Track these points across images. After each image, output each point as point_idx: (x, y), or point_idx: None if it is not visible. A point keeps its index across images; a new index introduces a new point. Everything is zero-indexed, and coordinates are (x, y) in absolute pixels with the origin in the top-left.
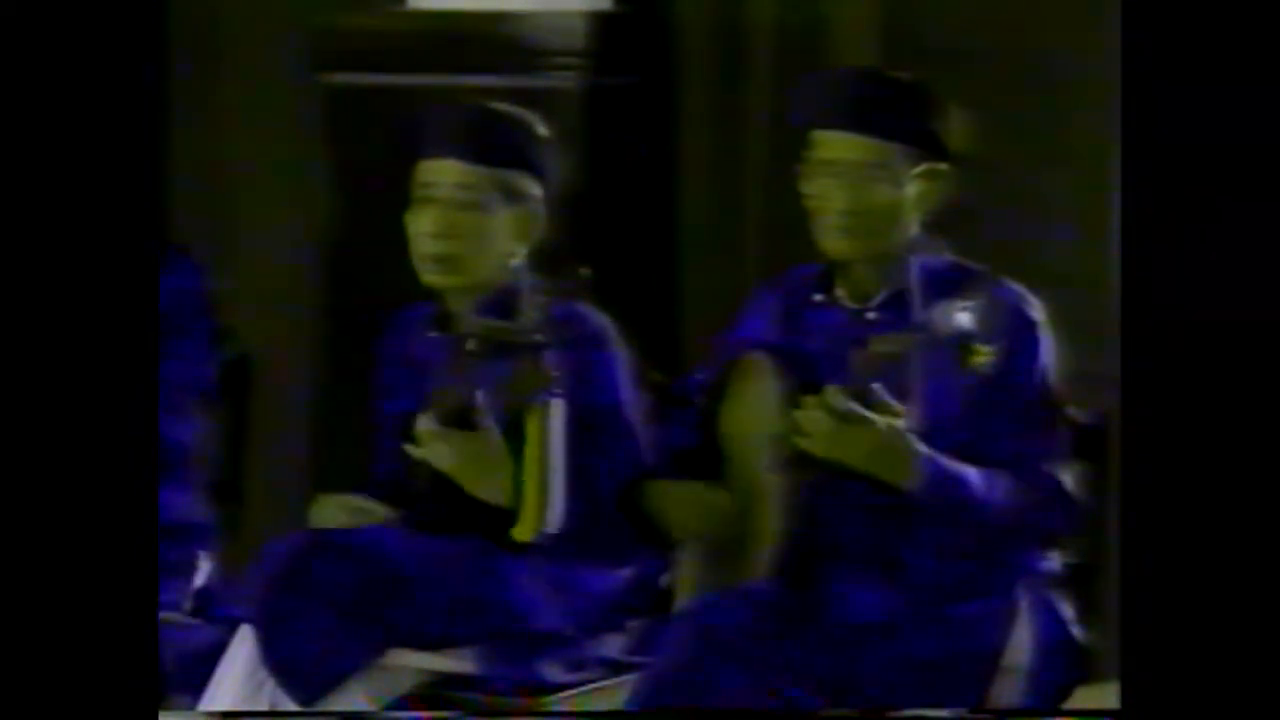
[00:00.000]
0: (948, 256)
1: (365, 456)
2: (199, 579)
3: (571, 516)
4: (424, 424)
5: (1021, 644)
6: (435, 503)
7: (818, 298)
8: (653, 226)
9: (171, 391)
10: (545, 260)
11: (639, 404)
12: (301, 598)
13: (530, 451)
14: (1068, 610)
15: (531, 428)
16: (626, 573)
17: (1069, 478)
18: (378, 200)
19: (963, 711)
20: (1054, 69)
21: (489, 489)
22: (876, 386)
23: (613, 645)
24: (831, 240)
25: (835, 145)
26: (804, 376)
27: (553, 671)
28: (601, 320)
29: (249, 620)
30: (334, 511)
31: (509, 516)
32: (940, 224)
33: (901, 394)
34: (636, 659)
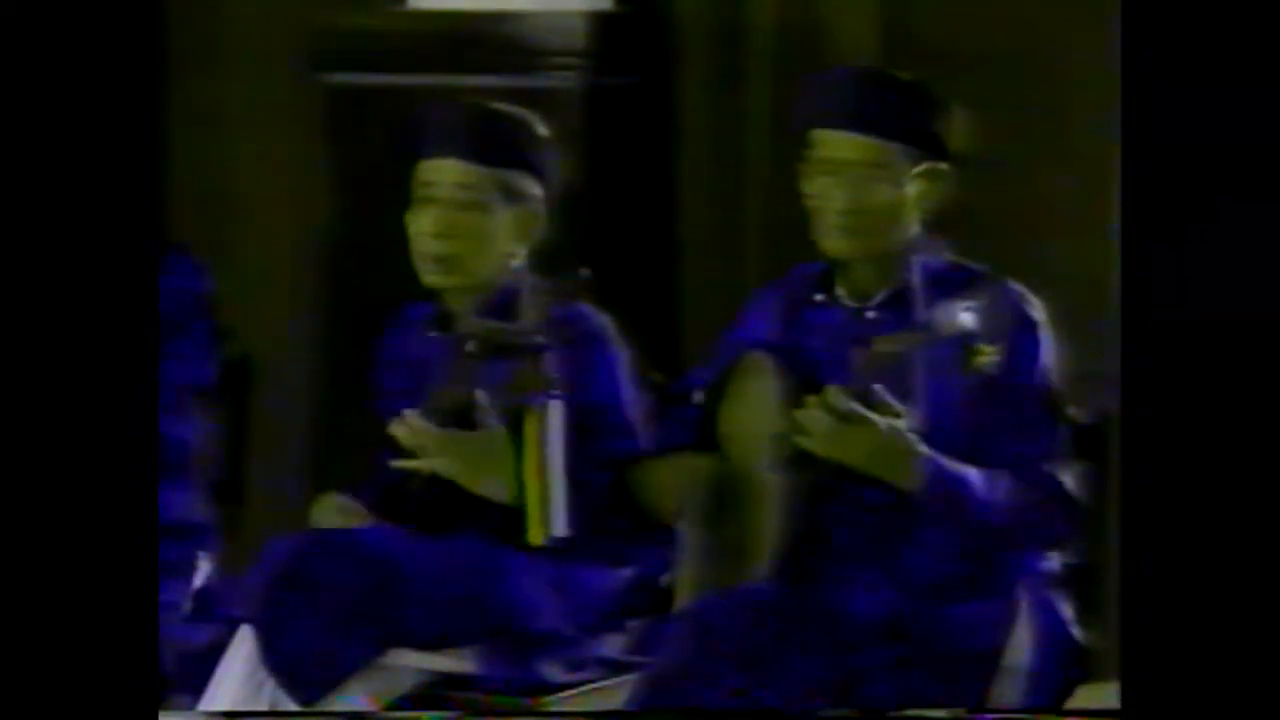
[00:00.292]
0: (948, 256)
1: (365, 456)
2: (199, 579)
3: (572, 516)
4: (422, 425)
5: (1021, 644)
6: (435, 502)
7: (818, 297)
8: (653, 226)
9: (171, 391)
10: (545, 260)
11: (639, 404)
12: (301, 598)
13: (529, 453)
14: (1068, 610)
15: (530, 429)
16: (626, 573)
17: (1069, 478)
18: (378, 200)
19: (962, 711)
20: (1054, 69)
21: (491, 487)
22: (877, 387)
23: (612, 645)
24: (832, 239)
25: (836, 145)
26: (804, 376)
27: (553, 671)
28: (601, 320)
29: (249, 620)
30: (324, 513)
31: (509, 515)
32: (940, 224)
33: (902, 394)
34: (636, 659)
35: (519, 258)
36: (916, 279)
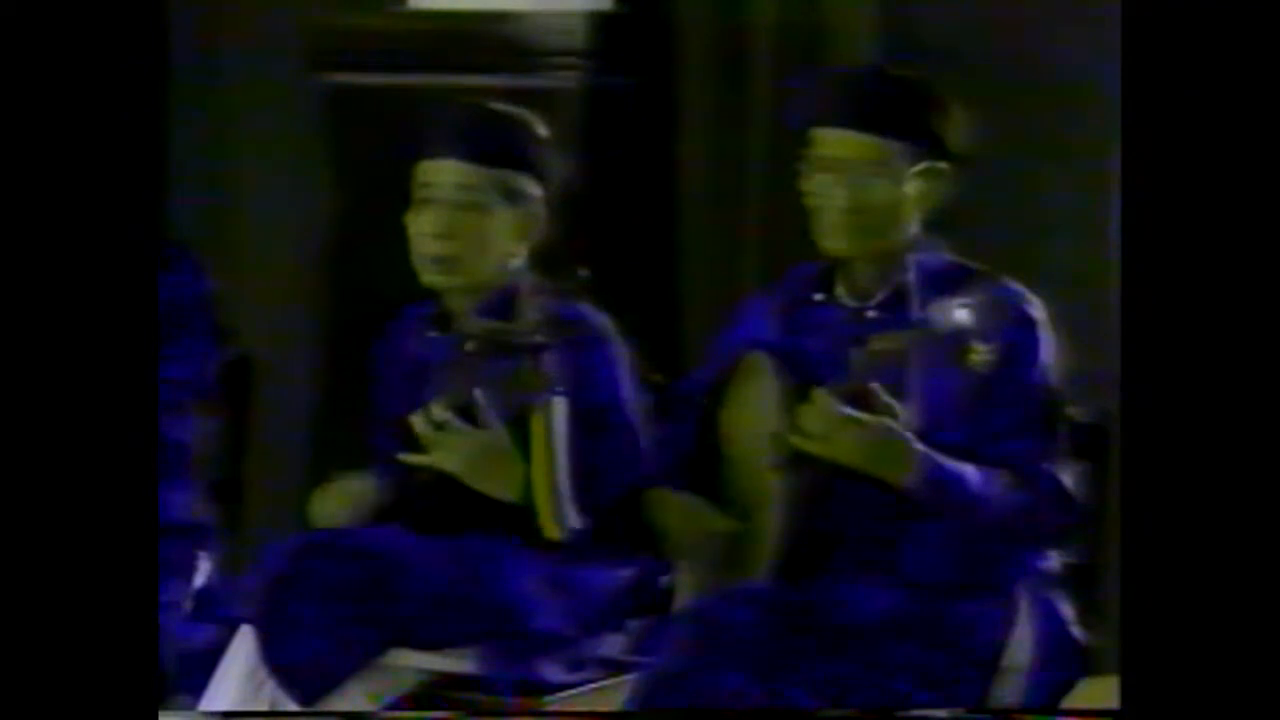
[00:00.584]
0: (947, 255)
1: (365, 457)
2: (199, 579)
3: (572, 516)
4: (425, 425)
5: (1021, 643)
6: (436, 502)
7: (818, 296)
8: (652, 226)
9: (171, 391)
10: (545, 260)
11: (639, 403)
12: (302, 598)
13: (537, 451)
14: (1068, 610)
15: (536, 427)
16: (627, 572)
17: (1069, 477)
18: (378, 200)
19: (962, 711)
20: (1054, 69)
21: (497, 485)
22: (874, 386)
23: (613, 645)
24: (831, 238)
25: (835, 143)
26: (804, 375)
27: (553, 671)
28: (601, 320)
29: (249, 620)
30: (334, 499)
31: (511, 514)
32: (940, 223)
33: (901, 392)
34: (636, 659)
35: (519, 258)
36: (916, 278)
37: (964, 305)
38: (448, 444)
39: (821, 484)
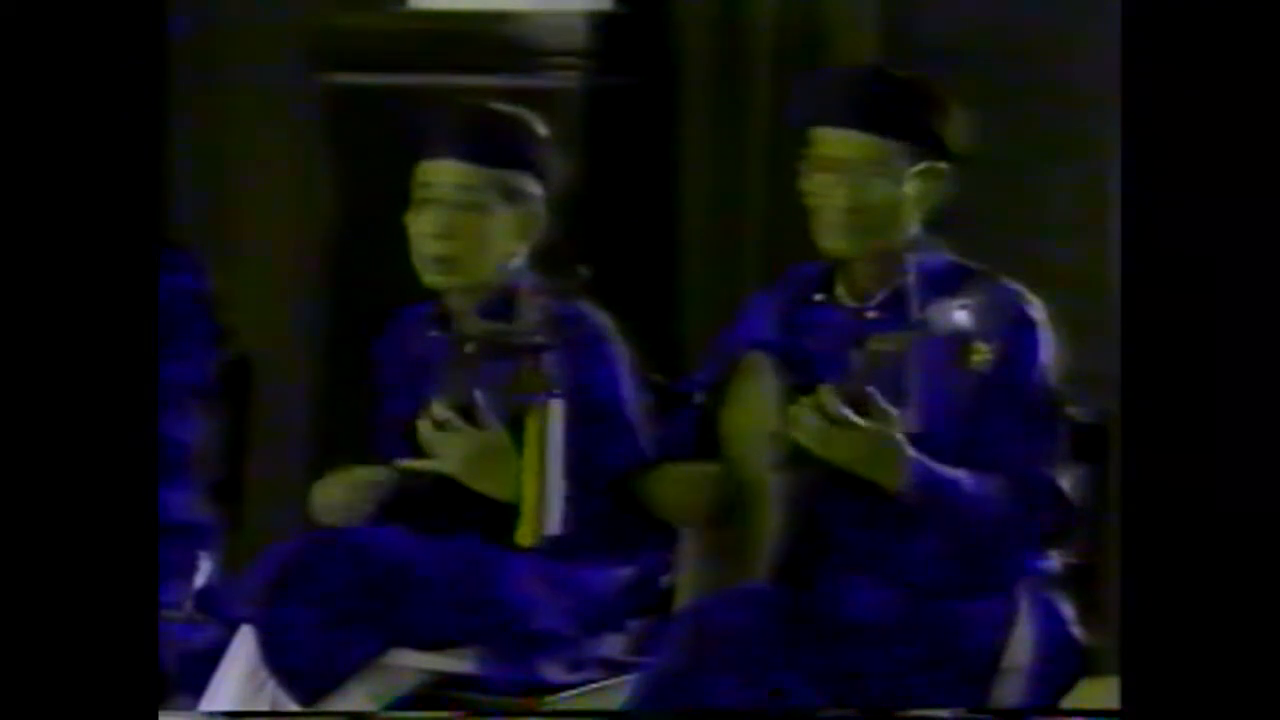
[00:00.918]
0: (947, 255)
1: (365, 456)
2: (200, 579)
3: (572, 516)
4: (424, 425)
5: (1022, 643)
6: (435, 502)
7: (818, 297)
8: (653, 226)
9: (171, 391)
10: (545, 260)
11: (639, 403)
12: (302, 598)
13: (530, 453)
14: (1068, 610)
15: (531, 429)
16: (627, 572)
17: (1068, 479)
18: (378, 200)
19: (963, 711)
20: (1054, 69)
21: (493, 484)
22: (870, 389)
23: (613, 645)
24: (830, 238)
25: (835, 143)
26: (804, 376)
27: (553, 671)
28: (602, 320)
29: (249, 620)
30: (336, 491)
31: (510, 515)
32: (940, 223)
33: (900, 393)
34: (636, 659)
35: (519, 258)
36: (915, 278)
37: (963, 306)
38: (446, 445)
39: (822, 484)
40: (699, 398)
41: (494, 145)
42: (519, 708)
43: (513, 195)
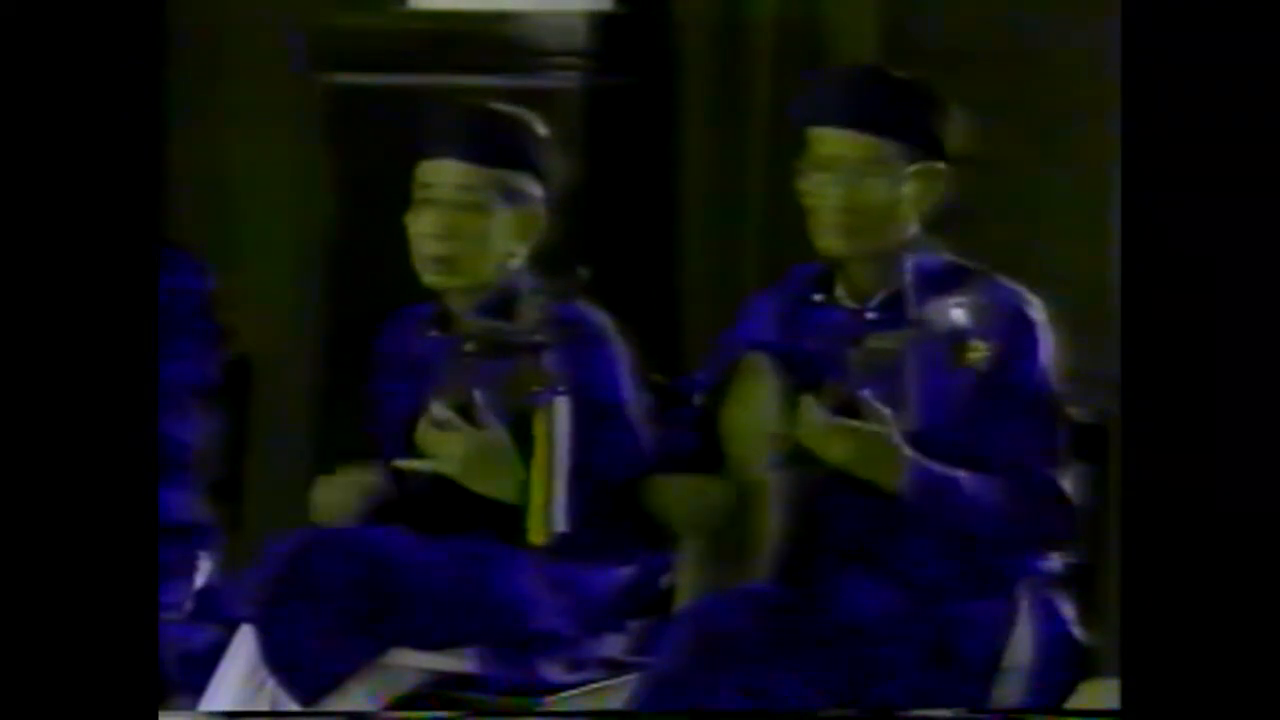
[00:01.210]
0: (946, 256)
1: (366, 456)
2: (200, 579)
3: (574, 516)
4: (424, 426)
5: (1022, 643)
6: (435, 502)
7: (817, 297)
8: (653, 226)
9: (171, 391)
10: (545, 260)
11: (640, 404)
12: (302, 598)
13: (538, 451)
14: (1068, 610)
15: (538, 427)
16: (627, 573)
17: (1068, 481)
18: (378, 200)
19: (964, 711)
20: (1054, 69)
21: (494, 486)
22: (865, 392)
23: (613, 645)
24: (828, 238)
25: (832, 142)
26: (804, 376)
27: (553, 671)
28: (602, 320)
29: (249, 620)
30: (335, 492)
31: (510, 515)
32: (939, 223)
33: (898, 393)
34: (637, 659)
35: (519, 258)
36: (914, 278)
37: (963, 306)
38: (444, 445)
39: (821, 484)
40: (699, 398)
41: (494, 145)
42: (519, 708)
43: (513, 195)
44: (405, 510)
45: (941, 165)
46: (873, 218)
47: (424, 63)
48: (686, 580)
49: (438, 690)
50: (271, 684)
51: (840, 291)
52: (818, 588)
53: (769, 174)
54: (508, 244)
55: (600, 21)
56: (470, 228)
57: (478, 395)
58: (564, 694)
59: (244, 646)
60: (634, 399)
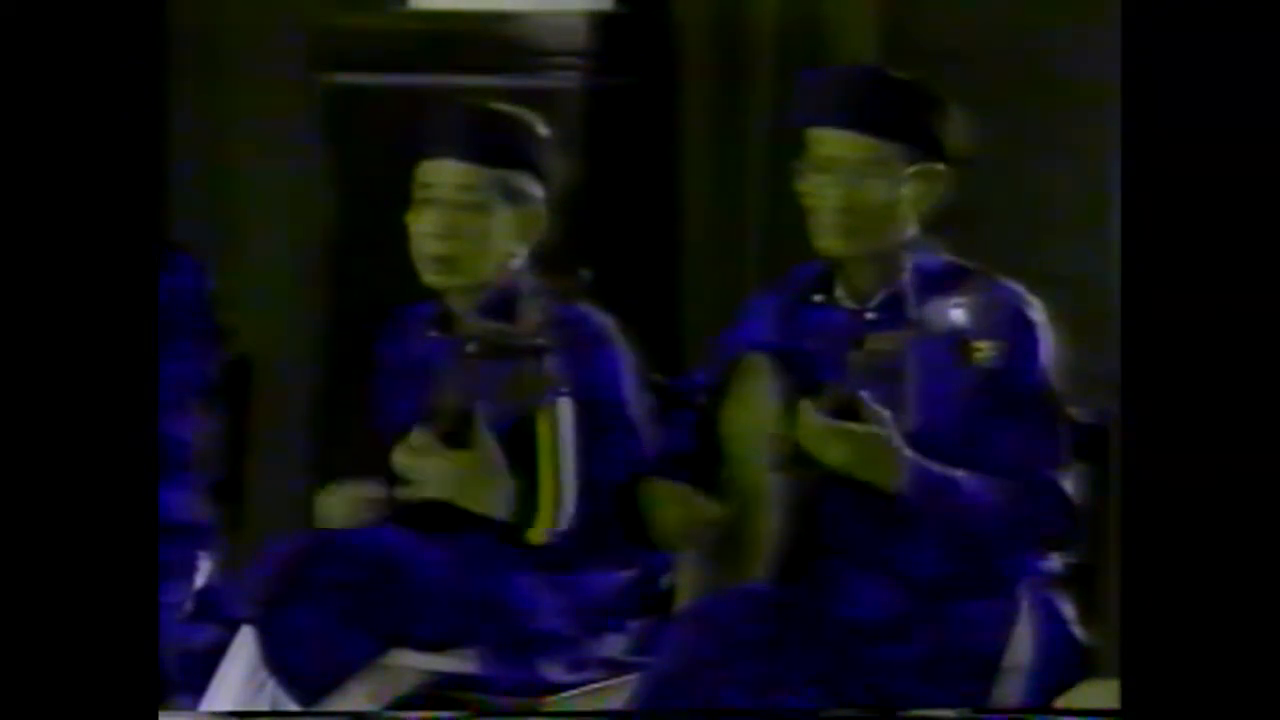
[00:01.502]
0: (946, 256)
1: (366, 456)
2: (200, 579)
3: (575, 517)
4: (419, 440)
5: (1023, 643)
6: (436, 503)
7: (817, 298)
8: (653, 227)
9: (172, 391)
10: (546, 260)
11: (641, 404)
12: (302, 598)
13: (544, 452)
14: (1069, 610)
15: (543, 427)
16: (627, 573)
17: (1069, 482)
18: (378, 200)
19: (965, 711)
20: (1054, 69)
21: (485, 503)
22: (862, 394)
23: (613, 645)
24: (827, 238)
25: (832, 143)
26: (804, 376)
27: (554, 671)
28: (603, 320)
29: (250, 620)
30: (340, 504)
31: (514, 514)
32: (939, 224)
33: (898, 394)
34: (637, 659)
35: (520, 258)
36: (914, 279)
37: (963, 306)
38: (431, 470)
39: (820, 484)
40: (699, 398)
41: (494, 145)
42: (519, 708)
43: (513, 195)
44: (405, 511)
45: (941, 166)
46: (872, 218)
47: (424, 63)
48: (687, 580)
49: (438, 690)
50: (272, 684)
51: (840, 292)
52: (818, 587)
53: (769, 174)
54: (508, 244)
55: (600, 22)
56: (471, 228)
57: (477, 406)
58: (564, 694)
59: (244, 647)
60: (635, 400)
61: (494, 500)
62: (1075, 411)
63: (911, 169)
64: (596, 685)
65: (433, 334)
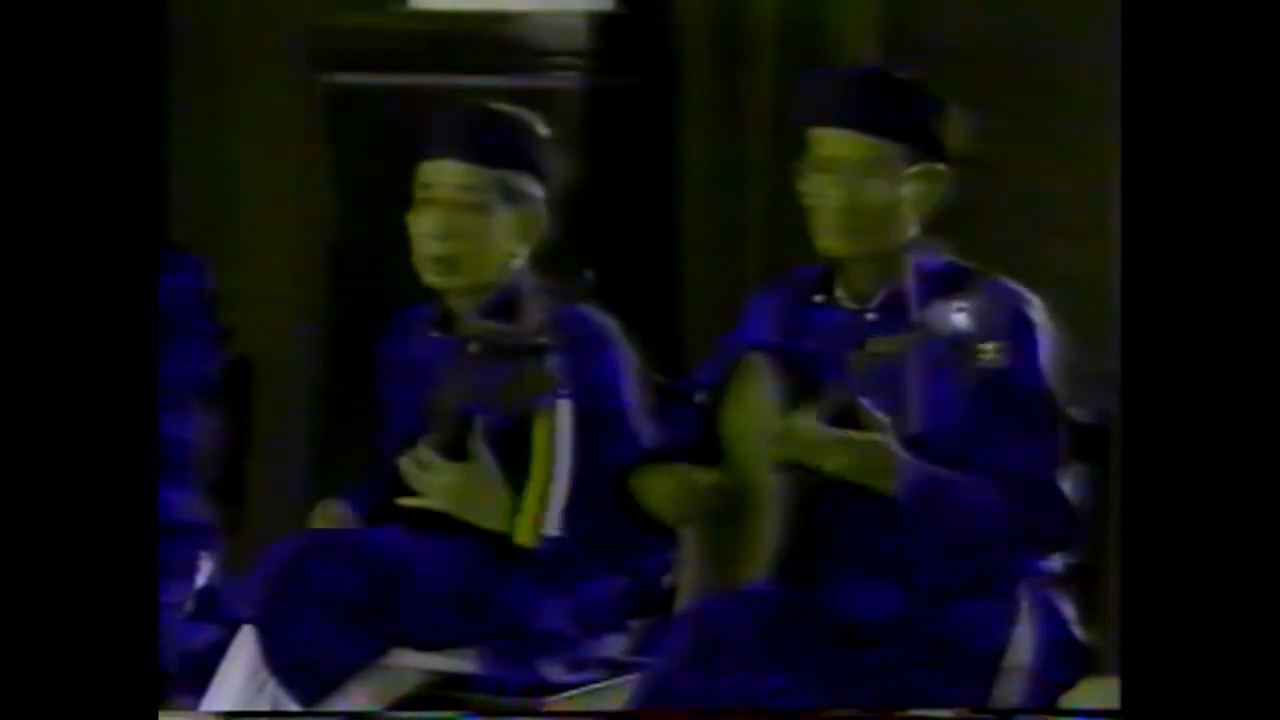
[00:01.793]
0: (947, 257)
1: (366, 456)
2: (201, 579)
3: (575, 517)
4: (420, 454)
5: (1023, 643)
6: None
7: (818, 298)
8: (654, 227)
9: (172, 391)
10: (547, 261)
11: (643, 404)
12: (303, 598)
13: (538, 454)
14: (1069, 609)
15: (540, 429)
16: (627, 573)
17: (1070, 485)
18: (378, 201)
19: (965, 711)
20: (1054, 69)
21: (482, 516)
22: (862, 399)
23: (614, 645)
24: (828, 238)
25: (833, 143)
26: (804, 377)
27: (554, 672)
28: (604, 321)
29: (251, 621)
30: (323, 521)
31: (511, 518)
32: (940, 224)
33: (899, 396)
34: (638, 659)
35: (520, 258)
36: (915, 280)
37: (964, 307)
38: (433, 484)
39: (821, 485)
40: (700, 398)
41: (495, 145)
42: (520, 708)
43: (514, 196)
44: (406, 511)
45: (942, 166)
46: (873, 218)
47: (424, 63)
48: (687, 580)
49: (438, 690)
50: (272, 685)
51: (841, 292)
52: (818, 588)
53: (770, 174)
54: (509, 244)
55: (601, 22)
56: (471, 228)
57: (475, 423)
58: (564, 694)
59: (245, 647)
60: (636, 401)
61: (490, 513)
62: (1075, 411)
63: (912, 169)
64: (596, 685)
65: (433, 334)
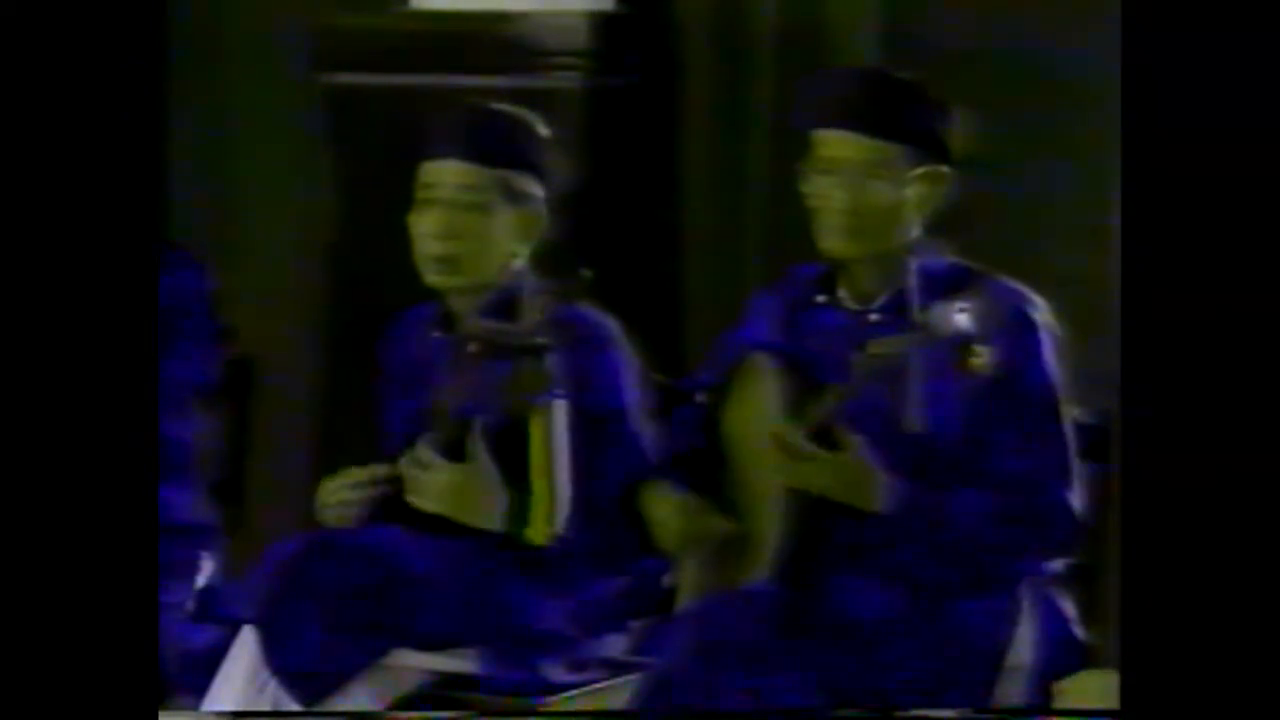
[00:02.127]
0: (949, 258)
1: (367, 456)
2: (201, 579)
3: (575, 518)
4: (408, 464)
5: (1024, 643)
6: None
7: (820, 299)
8: (655, 227)
9: (173, 391)
10: (548, 261)
11: (643, 405)
12: (304, 598)
13: (536, 453)
14: (1070, 609)
15: (536, 429)
16: (628, 574)
17: (1072, 484)
18: (379, 201)
19: (966, 711)
20: (1054, 69)
21: (481, 518)
22: (835, 422)
23: (614, 646)
24: (831, 240)
25: (836, 145)
26: (806, 377)
27: (554, 672)
28: (605, 321)
29: (252, 621)
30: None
31: (511, 518)
32: (942, 225)
33: (901, 396)
34: (638, 660)
35: (521, 258)
36: (917, 281)
37: (966, 308)
38: (431, 485)
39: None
40: (701, 399)
41: (496, 146)
42: (520, 708)
43: (514, 196)
44: (407, 511)
45: (944, 168)
46: (876, 219)
47: (424, 63)
48: (687, 580)
49: (439, 690)
50: (273, 685)
51: (843, 293)
52: (819, 588)
53: (771, 175)
54: (510, 244)
55: (601, 22)
56: (472, 228)
57: (474, 425)
58: (565, 694)
59: (246, 647)
60: (637, 401)
61: (489, 514)
62: (1075, 411)
63: (915, 171)
64: (596, 685)
65: (434, 334)
